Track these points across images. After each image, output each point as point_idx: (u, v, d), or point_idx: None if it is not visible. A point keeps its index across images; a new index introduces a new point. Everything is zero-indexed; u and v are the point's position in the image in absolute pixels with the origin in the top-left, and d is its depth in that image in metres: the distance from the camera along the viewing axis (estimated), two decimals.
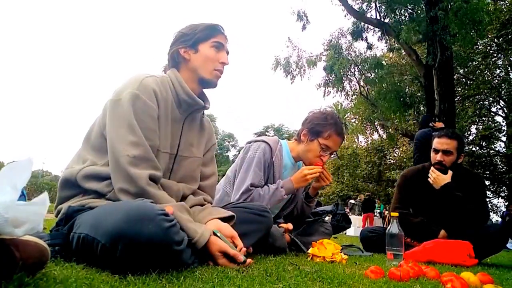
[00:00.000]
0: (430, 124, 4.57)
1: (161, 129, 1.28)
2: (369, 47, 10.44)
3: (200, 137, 1.48)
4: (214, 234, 1.19)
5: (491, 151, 15.32)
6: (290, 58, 11.09)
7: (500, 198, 16.81)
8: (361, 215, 12.86)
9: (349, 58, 10.38)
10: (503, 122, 14.48)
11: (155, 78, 1.30)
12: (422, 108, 10.97)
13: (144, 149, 1.17)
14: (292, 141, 2.16)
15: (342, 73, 10.26)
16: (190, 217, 1.20)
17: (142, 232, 0.90)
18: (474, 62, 12.35)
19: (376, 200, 14.80)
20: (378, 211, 14.14)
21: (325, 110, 2.07)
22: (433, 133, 3.05)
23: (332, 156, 2.10)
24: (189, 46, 1.37)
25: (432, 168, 2.38)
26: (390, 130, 12.08)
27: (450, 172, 2.33)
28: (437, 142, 2.40)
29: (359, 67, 10.61)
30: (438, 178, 2.32)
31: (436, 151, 2.39)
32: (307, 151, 2.02)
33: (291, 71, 11.03)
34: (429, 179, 2.35)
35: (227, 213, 1.33)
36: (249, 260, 1.21)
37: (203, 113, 1.50)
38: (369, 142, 20.96)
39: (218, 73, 1.40)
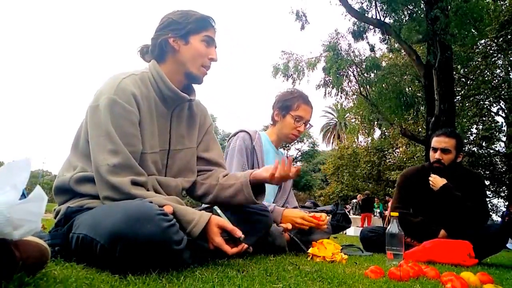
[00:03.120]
0: None
1: (147, 130, 1.23)
2: (372, 49, 10.42)
3: (190, 126, 1.43)
4: (214, 212, 1.19)
5: (491, 151, 15.32)
6: (289, 63, 11.09)
7: (500, 198, 16.80)
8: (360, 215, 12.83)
9: (349, 58, 10.36)
10: (503, 122, 14.48)
11: (133, 77, 1.24)
12: (422, 108, 10.97)
13: (123, 157, 1.13)
14: (268, 129, 2.26)
15: (340, 74, 10.26)
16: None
17: (141, 232, 0.90)
18: (474, 62, 12.34)
19: (375, 198, 14.72)
20: (378, 211, 14.15)
21: (289, 88, 2.22)
22: None
23: (307, 127, 2.17)
24: (180, 36, 1.30)
25: (431, 175, 2.38)
26: (388, 130, 12.10)
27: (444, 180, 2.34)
28: (435, 141, 2.41)
29: (358, 67, 10.59)
30: (435, 180, 2.33)
31: (435, 149, 2.40)
32: (283, 127, 2.13)
33: (291, 74, 11.03)
34: (430, 184, 2.37)
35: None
36: (244, 245, 1.18)
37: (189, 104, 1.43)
38: (369, 142, 20.95)
39: (205, 70, 1.35)
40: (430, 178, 2.37)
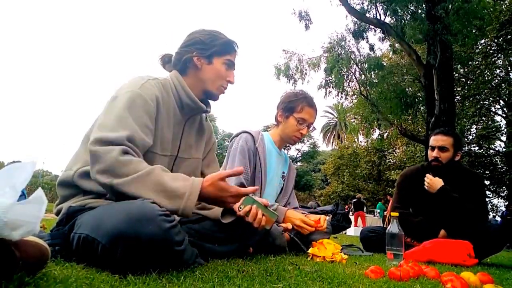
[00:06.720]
0: None
1: (163, 133, 1.27)
2: (371, 48, 10.41)
3: (199, 138, 1.49)
4: (249, 198, 1.23)
5: (491, 151, 15.32)
6: (290, 62, 11.05)
7: (500, 198, 16.79)
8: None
9: (350, 57, 10.33)
10: (502, 121, 14.50)
11: (157, 81, 1.30)
12: (422, 108, 10.97)
13: (120, 136, 1.08)
14: (271, 130, 2.25)
15: (341, 75, 10.24)
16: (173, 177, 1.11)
17: (143, 233, 0.90)
18: (474, 62, 12.34)
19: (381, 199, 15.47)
20: (378, 211, 14.36)
21: (294, 89, 2.21)
22: None
23: (310, 129, 2.16)
24: (204, 57, 1.37)
25: (426, 175, 2.38)
26: (388, 131, 12.11)
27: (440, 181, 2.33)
28: (433, 139, 2.42)
29: (359, 67, 10.57)
30: (432, 182, 2.33)
31: (432, 148, 2.41)
32: (285, 128, 2.12)
33: (292, 74, 10.98)
34: (425, 186, 2.35)
35: None
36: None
37: (205, 116, 1.52)
38: (369, 142, 20.97)
39: (223, 90, 1.44)
40: (426, 180, 2.35)
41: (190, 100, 1.35)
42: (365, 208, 14.82)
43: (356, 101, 11.85)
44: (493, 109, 14.66)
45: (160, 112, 1.26)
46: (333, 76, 10.27)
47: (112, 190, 1.07)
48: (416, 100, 10.76)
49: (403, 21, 8.47)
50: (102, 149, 1.05)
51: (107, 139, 1.07)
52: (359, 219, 13.06)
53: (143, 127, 1.17)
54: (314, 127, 2.17)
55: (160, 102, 1.26)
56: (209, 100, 1.48)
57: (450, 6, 7.24)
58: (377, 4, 8.84)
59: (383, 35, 9.69)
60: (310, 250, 1.69)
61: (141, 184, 1.04)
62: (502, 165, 15.39)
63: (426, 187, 2.35)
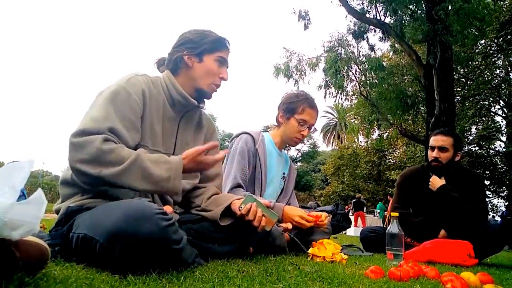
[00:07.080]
0: None
1: (152, 127, 1.27)
2: (372, 48, 10.41)
3: (197, 135, 1.48)
4: (250, 197, 1.27)
5: (491, 151, 15.33)
6: (289, 62, 11.03)
7: (500, 198, 16.79)
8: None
9: (351, 57, 10.32)
10: (502, 122, 14.50)
11: (146, 77, 1.31)
12: (422, 108, 10.98)
13: (103, 126, 1.11)
14: (272, 130, 2.24)
15: (341, 74, 10.23)
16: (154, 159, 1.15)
17: (140, 231, 0.90)
18: (474, 62, 12.35)
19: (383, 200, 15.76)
20: (378, 211, 14.44)
21: (295, 90, 2.20)
22: None
23: (311, 131, 2.15)
24: (195, 55, 1.37)
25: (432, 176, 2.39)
26: (388, 131, 12.12)
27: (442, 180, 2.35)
28: (433, 140, 2.43)
29: (360, 68, 10.57)
30: (434, 181, 2.33)
31: (432, 148, 2.41)
32: (286, 130, 2.12)
33: (292, 74, 10.96)
34: (430, 186, 2.37)
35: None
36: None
37: (200, 111, 1.50)
38: (369, 142, 20.97)
39: (215, 88, 1.43)
40: (430, 180, 2.37)
41: (180, 97, 1.35)
42: (365, 208, 15.07)
43: (356, 101, 11.85)
44: (493, 109, 14.67)
45: (147, 105, 1.26)
46: (329, 77, 10.26)
47: (99, 180, 1.08)
48: (416, 100, 10.76)
49: (403, 22, 8.48)
50: (83, 139, 1.07)
51: (89, 131, 1.09)
52: (359, 219, 13.19)
53: (124, 121, 1.18)
54: (315, 128, 2.16)
55: (146, 96, 1.26)
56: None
57: (450, 6, 7.24)
58: (377, 4, 8.84)
59: (383, 35, 9.69)
60: (310, 250, 1.69)
61: (129, 175, 1.08)
62: (502, 165, 15.39)
63: (430, 187, 2.36)
